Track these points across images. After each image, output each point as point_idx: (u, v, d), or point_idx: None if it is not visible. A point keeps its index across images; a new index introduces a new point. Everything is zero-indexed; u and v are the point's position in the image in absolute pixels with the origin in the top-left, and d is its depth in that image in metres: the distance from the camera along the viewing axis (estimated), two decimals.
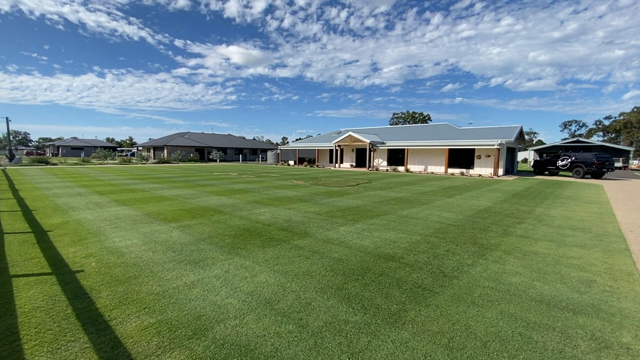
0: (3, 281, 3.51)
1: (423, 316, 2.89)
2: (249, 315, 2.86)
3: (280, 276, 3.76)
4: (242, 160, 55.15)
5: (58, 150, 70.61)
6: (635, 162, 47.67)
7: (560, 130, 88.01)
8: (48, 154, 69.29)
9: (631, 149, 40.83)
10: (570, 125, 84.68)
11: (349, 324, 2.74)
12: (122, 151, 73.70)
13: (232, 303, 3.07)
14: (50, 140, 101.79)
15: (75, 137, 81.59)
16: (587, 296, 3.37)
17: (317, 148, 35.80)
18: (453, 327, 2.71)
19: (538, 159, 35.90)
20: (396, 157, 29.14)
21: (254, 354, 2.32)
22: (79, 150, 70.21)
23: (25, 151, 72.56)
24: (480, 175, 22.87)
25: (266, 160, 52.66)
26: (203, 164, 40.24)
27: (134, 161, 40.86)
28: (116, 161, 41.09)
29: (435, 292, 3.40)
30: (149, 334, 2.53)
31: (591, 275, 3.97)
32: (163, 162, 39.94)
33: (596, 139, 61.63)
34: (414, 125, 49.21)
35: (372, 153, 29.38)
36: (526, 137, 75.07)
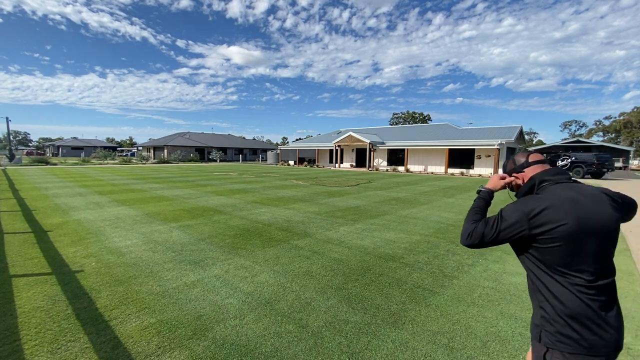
0: (3, 281, 3.51)
1: (423, 316, 2.89)
2: (249, 315, 2.86)
3: (280, 276, 3.75)
4: (242, 160, 55.15)
5: (58, 150, 70.59)
6: (635, 162, 47.66)
7: (560, 130, 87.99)
8: (48, 154, 69.25)
9: (631, 149, 40.79)
10: (570, 125, 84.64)
11: (349, 324, 2.74)
12: (122, 151, 73.68)
13: (232, 303, 3.07)
14: (51, 140, 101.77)
15: (75, 137, 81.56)
16: None
17: (317, 148, 35.81)
18: (453, 327, 2.71)
19: None
20: (396, 157, 29.14)
21: (254, 354, 2.32)
22: (79, 150, 70.16)
23: (25, 151, 72.54)
24: (480, 175, 22.87)
25: (266, 160, 52.66)
26: (203, 164, 40.23)
27: (134, 161, 40.85)
28: (116, 161, 41.08)
29: (435, 292, 3.40)
30: (149, 334, 2.53)
31: None
32: (163, 162, 39.93)
33: (596, 139, 61.55)
34: (414, 125, 49.23)
35: (372, 153, 29.39)
36: (526, 137, 74.97)
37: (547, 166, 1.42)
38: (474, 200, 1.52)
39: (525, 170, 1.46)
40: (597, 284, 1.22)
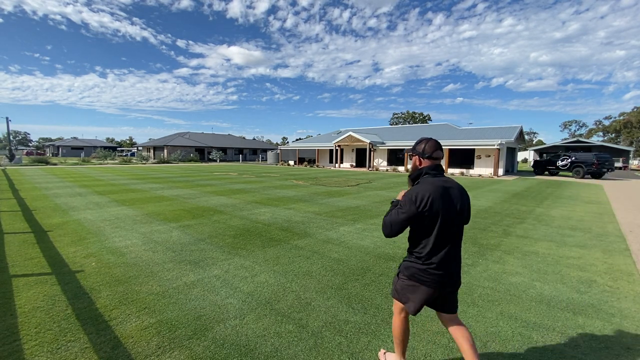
0: (3, 281, 3.51)
1: (423, 316, 2.89)
2: (249, 315, 2.86)
3: (280, 276, 3.75)
4: (242, 160, 55.14)
5: (58, 150, 70.59)
6: (635, 162, 47.66)
7: (560, 131, 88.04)
8: (48, 154, 69.24)
9: (631, 149, 40.80)
10: (570, 126, 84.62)
11: (349, 324, 2.74)
12: (122, 151, 73.64)
13: (232, 303, 3.07)
14: (51, 140, 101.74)
15: (75, 137, 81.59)
16: (587, 296, 3.37)
17: (317, 148, 35.80)
18: None
19: (538, 159, 35.87)
20: (396, 157, 29.14)
21: (254, 354, 2.32)
22: (79, 150, 70.17)
23: (25, 151, 72.46)
24: (480, 175, 22.88)
25: (266, 160, 52.66)
26: (203, 164, 40.23)
27: (134, 161, 40.85)
28: (116, 161, 41.08)
29: None
30: (149, 334, 2.53)
31: (591, 275, 3.97)
32: (163, 162, 39.93)
33: (596, 139, 61.52)
34: (414, 125, 49.27)
35: (372, 153, 29.38)
36: (526, 137, 74.97)
37: (436, 162, 2.01)
38: (390, 207, 1.99)
39: (425, 159, 2.00)
40: (449, 243, 1.91)
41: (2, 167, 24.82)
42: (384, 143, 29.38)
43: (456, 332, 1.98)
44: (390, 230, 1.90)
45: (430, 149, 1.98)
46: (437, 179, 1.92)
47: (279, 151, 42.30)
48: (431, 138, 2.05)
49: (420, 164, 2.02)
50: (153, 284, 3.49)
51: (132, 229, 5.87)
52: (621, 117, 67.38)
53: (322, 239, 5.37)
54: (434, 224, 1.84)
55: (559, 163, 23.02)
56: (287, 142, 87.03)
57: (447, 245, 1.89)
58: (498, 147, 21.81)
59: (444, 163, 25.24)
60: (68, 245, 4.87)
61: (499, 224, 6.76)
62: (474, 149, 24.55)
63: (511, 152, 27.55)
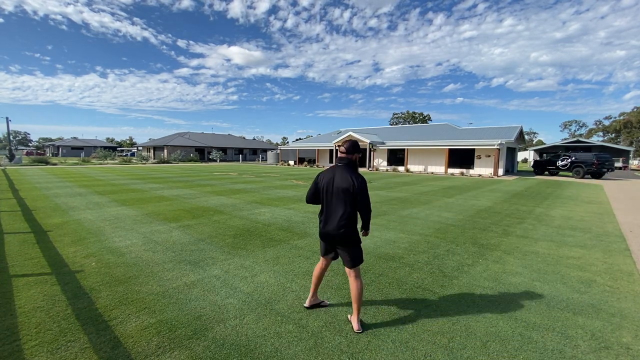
0: (3, 281, 3.51)
1: (423, 316, 2.89)
2: (249, 315, 2.86)
3: (280, 276, 3.76)
4: (242, 160, 55.12)
5: (58, 150, 70.57)
6: (635, 162, 47.65)
7: (560, 131, 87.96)
8: (48, 154, 69.19)
9: (631, 149, 40.77)
10: (570, 126, 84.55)
11: (349, 324, 2.74)
12: (122, 151, 73.60)
13: (232, 303, 3.07)
14: (51, 140, 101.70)
15: (75, 137, 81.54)
16: (587, 296, 3.37)
17: (317, 148, 35.80)
18: (453, 327, 2.71)
19: (538, 159, 35.87)
20: (396, 157, 29.13)
21: (254, 354, 2.32)
22: (79, 150, 70.14)
23: (25, 151, 72.41)
24: (480, 175, 22.87)
25: (266, 160, 52.64)
26: (203, 164, 40.22)
27: (134, 161, 40.84)
28: (116, 161, 41.07)
29: (435, 292, 3.40)
30: (149, 334, 2.53)
31: (591, 275, 3.97)
32: (163, 162, 39.92)
33: (596, 139, 61.45)
34: (414, 125, 49.27)
35: (372, 153, 29.37)
36: (526, 137, 74.89)
37: (347, 156, 2.73)
38: None
39: (341, 152, 2.76)
40: (333, 210, 2.67)
41: (2, 167, 24.82)
42: (384, 143, 29.37)
43: (350, 282, 2.69)
44: (307, 195, 2.84)
45: (345, 145, 2.73)
46: (339, 167, 2.69)
47: (279, 151, 42.29)
48: (351, 140, 2.79)
49: (337, 154, 2.83)
50: (153, 284, 3.49)
51: (132, 229, 5.87)
52: (621, 117, 67.33)
53: None
54: (323, 196, 2.70)
55: (559, 163, 23.00)
56: (287, 142, 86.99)
57: (330, 212, 2.66)
58: (498, 147, 21.80)
59: (444, 163, 25.29)
60: (68, 245, 4.87)
61: (499, 224, 6.76)
62: (474, 149, 24.54)
63: (511, 152, 27.54)
